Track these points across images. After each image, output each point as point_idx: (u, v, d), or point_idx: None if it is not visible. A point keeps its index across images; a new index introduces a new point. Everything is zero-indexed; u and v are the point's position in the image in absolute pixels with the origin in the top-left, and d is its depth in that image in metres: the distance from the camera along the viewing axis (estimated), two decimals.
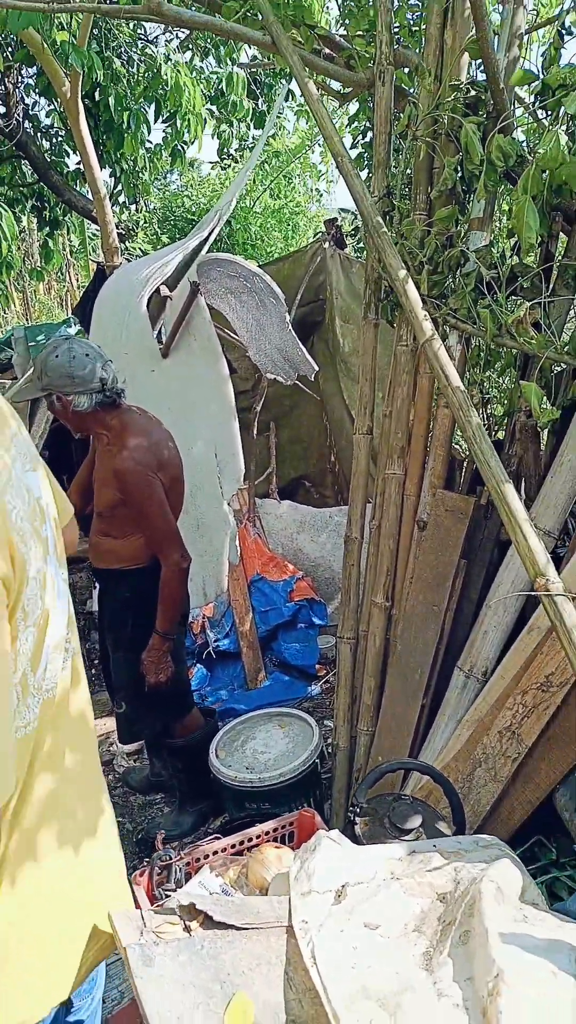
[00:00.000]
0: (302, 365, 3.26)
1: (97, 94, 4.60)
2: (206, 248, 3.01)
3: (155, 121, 5.04)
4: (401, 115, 2.29)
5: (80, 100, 3.67)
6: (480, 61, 1.90)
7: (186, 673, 2.67)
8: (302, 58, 2.28)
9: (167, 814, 2.69)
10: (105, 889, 1.03)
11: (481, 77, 1.98)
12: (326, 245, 3.79)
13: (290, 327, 3.16)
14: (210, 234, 3.06)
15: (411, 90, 2.54)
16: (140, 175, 6.21)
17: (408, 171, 2.32)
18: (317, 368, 3.24)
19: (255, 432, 3.70)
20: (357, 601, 2.46)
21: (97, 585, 2.86)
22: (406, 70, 2.55)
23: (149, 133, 5.04)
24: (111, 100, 4.40)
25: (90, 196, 5.30)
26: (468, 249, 1.94)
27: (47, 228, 6.88)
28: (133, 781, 2.87)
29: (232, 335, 3.30)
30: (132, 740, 2.67)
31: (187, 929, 0.94)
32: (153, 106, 4.89)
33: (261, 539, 3.63)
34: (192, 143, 5.05)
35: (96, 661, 3.17)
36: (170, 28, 5.56)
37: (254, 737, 2.52)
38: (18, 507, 0.87)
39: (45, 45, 3.48)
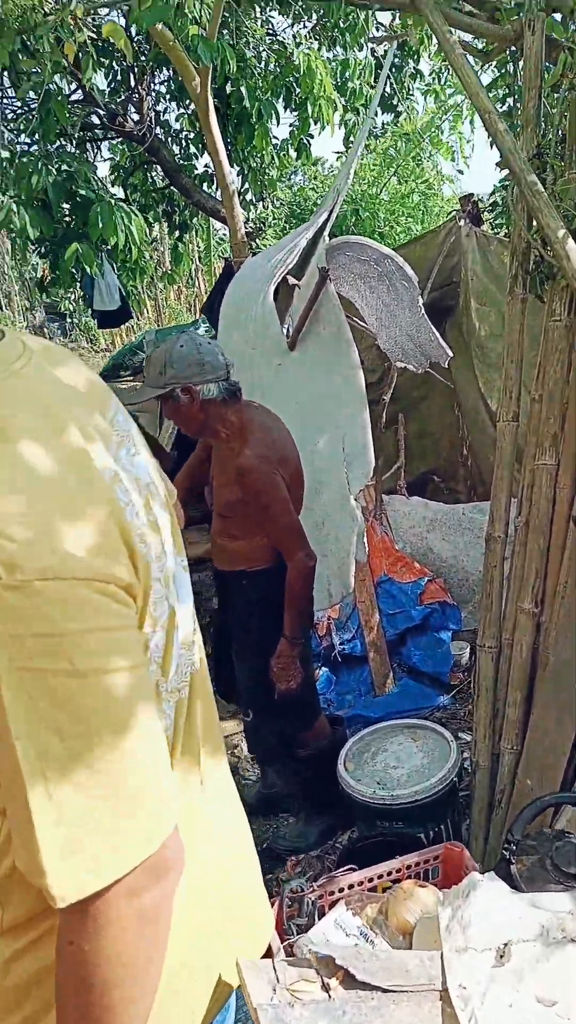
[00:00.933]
0: (435, 352, 3.06)
1: (228, 87, 4.58)
2: (328, 227, 2.87)
3: (284, 111, 4.97)
4: (552, 68, 2.07)
5: (210, 95, 3.65)
6: None
7: (314, 679, 2.55)
8: (442, 13, 2.10)
9: (292, 824, 2.58)
10: (249, 912, 0.90)
11: None
12: (461, 223, 3.55)
13: (423, 311, 2.97)
14: (331, 213, 2.93)
15: (564, 39, 2.29)
16: (267, 172, 6.18)
17: (561, 129, 2.08)
18: (451, 354, 3.03)
19: (383, 425, 3.53)
20: (500, 606, 2.23)
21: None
22: (558, 17, 2.30)
23: (278, 125, 4.97)
24: (243, 91, 4.36)
25: (218, 196, 5.32)
26: None
27: (176, 232, 7.02)
28: (245, 797, 2.78)
29: (361, 323, 3.15)
30: (259, 749, 2.58)
31: (326, 988, 0.80)
32: (282, 96, 4.81)
33: (388, 537, 3.45)
34: (322, 131, 4.93)
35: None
36: (299, 17, 5.49)
37: (385, 749, 2.35)
38: (134, 502, 0.73)
39: (176, 41, 3.47)
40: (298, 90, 4.69)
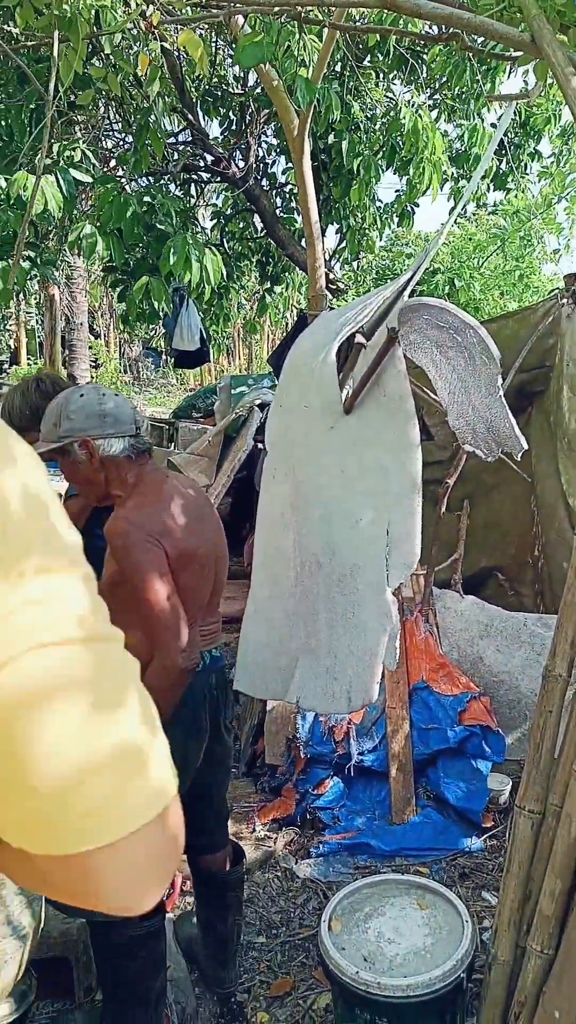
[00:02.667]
0: (508, 440, 2.66)
1: (331, 138, 4.42)
2: (410, 288, 2.57)
3: (386, 169, 4.78)
4: None
5: (307, 141, 3.47)
6: None
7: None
8: (566, 55, 1.80)
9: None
10: None
11: None
12: (563, 302, 3.19)
13: (501, 394, 2.60)
14: (415, 272, 2.62)
15: None
16: (367, 232, 6.01)
17: None
18: (527, 447, 2.63)
19: (443, 509, 3.14)
20: (551, 762, 1.78)
21: None
22: None
23: (377, 182, 4.78)
24: (344, 145, 4.18)
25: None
26: None
27: (268, 283, 6.93)
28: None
29: (431, 395, 2.80)
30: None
31: None
32: (385, 155, 4.62)
33: (433, 638, 3.02)
34: (424, 193, 4.70)
35: None
36: (419, 85, 5.37)
37: (382, 913, 1.90)
38: None
39: (280, 83, 3.32)
40: (403, 151, 4.48)
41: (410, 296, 2.68)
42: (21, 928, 1.43)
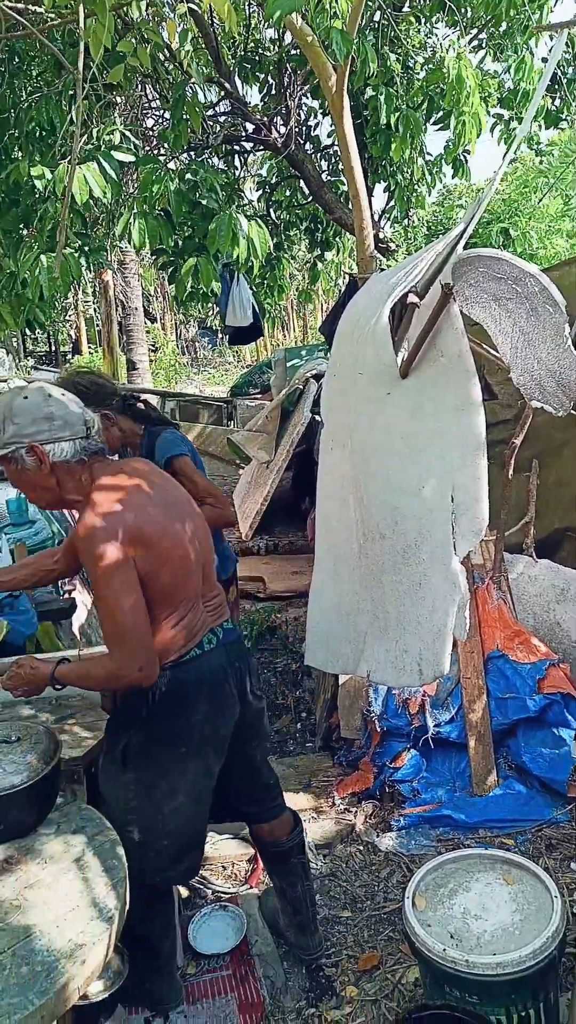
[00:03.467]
0: None
1: (368, 92, 4.23)
2: (463, 240, 2.44)
3: (426, 122, 4.55)
4: None
5: (346, 97, 3.32)
6: None
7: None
8: None
9: None
10: None
11: None
12: None
13: (570, 344, 2.45)
14: (468, 224, 2.48)
15: None
16: (416, 187, 5.79)
17: None
18: None
19: (511, 470, 3.00)
20: None
21: None
22: None
23: (423, 136, 4.56)
24: (381, 99, 3.99)
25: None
26: None
27: (318, 249, 6.78)
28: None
29: (491, 352, 2.67)
30: None
31: None
32: (426, 106, 4.39)
33: (507, 605, 2.91)
34: (468, 144, 4.47)
35: None
36: (463, 27, 5.08)
37: (468, 889, 1.86)
38: None
39: (314, 37, 3.18)
40: (441, 104, 4.25)
41: (464, 249, 2.55)
42: (107, 910, 1.46)
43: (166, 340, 21.08)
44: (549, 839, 2.49)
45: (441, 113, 4.39)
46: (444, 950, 1.68)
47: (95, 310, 20.36)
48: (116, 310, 14.10)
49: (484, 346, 2.75)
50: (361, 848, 2.57)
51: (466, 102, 3.88)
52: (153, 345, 19.15)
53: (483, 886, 1.86)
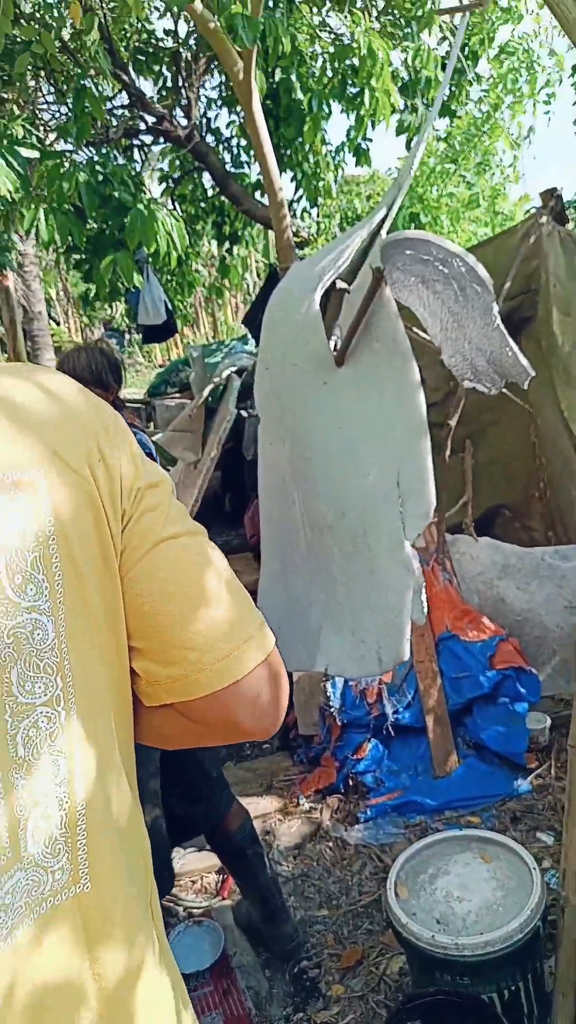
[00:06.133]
0: (512, 370, 2.56)
1: (278, 74, 4.17)
2: (387, 225, 2.43)
3: (339, 101, 4.54)
4: None
5: (254, 82, 3.26)
6: None
7: None
8: None
9: None
10: None
11: None
12: (543, 220, 3.05)
13: (499, 322, 2.48)
14: (390, 209, 2.48)
15: None
16: (321, 176, 5.78)
17: None
18: (534, 373, 2.53)
19: (448, 453, 3.03)
20: None
21: None
22: None
23: (328, 117, 4.54)
24: (293, 79, 3.93)
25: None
26: None
27: (227, 243, 6.70)
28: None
29: (422, 335, 2.68)
30: None
31: None
32: (336, 86, 4.36)
33: (452, 586, 2.95)
34: (378, 124, 4.48)
35: None
36: (356, 12, 5.09)
37: (447, 872, 1.85)
38: None
39: (217, 23, 3.11)
40: (353, 82, 4.24)
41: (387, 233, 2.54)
42: None
43: (70, 341, 20.46)
44: (513, 812, 2.53)
45: (355, 90, 4.37)
46: (433, 936, 1.66)
47: None
48: (19, 314, 13.54)
49: (414, 329, 2.76)
50: (331, 845, 2.54)
51: (379, 77, 3.87)
52: (58, 349, 18.54)
53: (462, 867, 1.86)
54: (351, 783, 2.74)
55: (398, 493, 2.28)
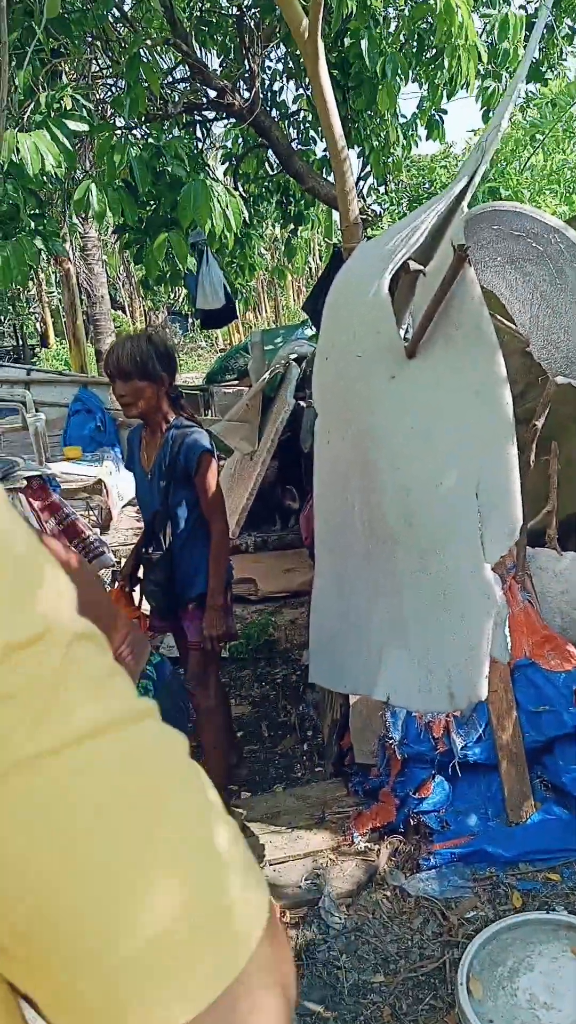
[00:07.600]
0: None
1: (347, 39, 3.82)
2: (469, 195, 2.11)
3: (415, 65, 4.16)
4: None
5: (320, 41, 2.95)
6: None
7: None
8: None
9: None
10: None
11: None
12: None
13: None
14: (473, 177, 2.15)
15: None
16: (392, 150, 5.42)
17: None
18: None
19: (532, 456, 2.69)
20: None
21: None
22: None
23: (405, 84, 4.17)
24: (364, 44, 3.59)
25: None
26: None
27: (291, 224, 6.40)
28: None
29: (506, 322, 2.35)
30: None
31: None
32: (413, 48, 3.99)
33: (533, 607, 2.62)
34: (460, 89, 4.09)
35: None
36: None
37: (530, 967, 1.57)
38: None
39: None
40: (431, 42, 3.85)
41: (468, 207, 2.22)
42: None
43: (135, 328, 20.54)
44: None
45: (434, 52, 3.98)
46: None
47: (59, 300, 19.73)
48: (81, 299, 13.56)
49: (497, 316, 2.43)
50: (388, 894, 2.28)
51: (459, 33, 3.49)
52: (120, 334, 18.63)
53: (548, 961, 1.57)
54: (412, 823, 2.46)
55: (477, 506, 1.97)
